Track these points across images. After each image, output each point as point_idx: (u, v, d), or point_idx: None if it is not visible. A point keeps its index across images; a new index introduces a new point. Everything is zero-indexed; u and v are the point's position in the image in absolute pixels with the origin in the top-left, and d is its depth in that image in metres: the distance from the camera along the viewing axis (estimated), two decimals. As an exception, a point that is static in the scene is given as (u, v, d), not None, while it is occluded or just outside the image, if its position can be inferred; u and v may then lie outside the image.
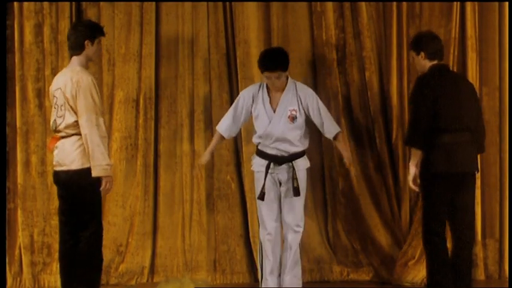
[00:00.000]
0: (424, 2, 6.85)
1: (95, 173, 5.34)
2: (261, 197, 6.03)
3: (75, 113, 5.39)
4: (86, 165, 5.37)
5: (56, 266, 6.81)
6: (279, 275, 6.21)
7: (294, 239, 6.13)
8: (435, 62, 5.71)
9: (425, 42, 5.74)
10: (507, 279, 6.71)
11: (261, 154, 6.10)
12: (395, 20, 6.90)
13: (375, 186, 6.94)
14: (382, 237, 6.93)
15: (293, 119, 6.01)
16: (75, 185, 5.43)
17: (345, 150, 6.15)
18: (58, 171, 5.51)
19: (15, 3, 6.83)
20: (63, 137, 5.47)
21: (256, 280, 6.76)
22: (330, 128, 6.08)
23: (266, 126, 6.01)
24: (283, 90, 6.04)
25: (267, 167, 6.03)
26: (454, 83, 5.69)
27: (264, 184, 6.02)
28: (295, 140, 6.03)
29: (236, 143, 6.97)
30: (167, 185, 6.97)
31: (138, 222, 6.93)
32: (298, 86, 6.12)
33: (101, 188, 5.41)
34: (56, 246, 6.76)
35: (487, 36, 6.87)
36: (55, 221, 6.56)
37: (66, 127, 5.44)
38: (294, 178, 5.99)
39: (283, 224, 6.15)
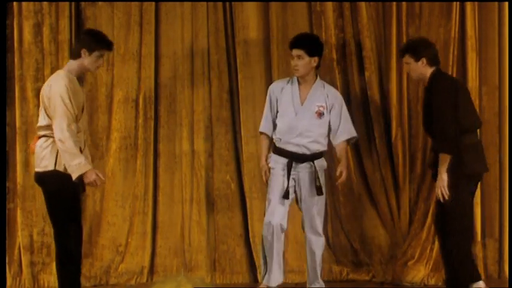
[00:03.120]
0: (423, 2, 6.83)
1: (74, 176, 5.40)
2: (286, 195, 5.97)
3: (48, 116, 5.49)
4: (49, 168, 5.46)
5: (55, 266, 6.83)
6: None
7: (318, 241, 6.09)
8: (434, 68, 5.70)
9: (425, 48, 5.73)
10: (507, 279, 6.70)
11: (280, 152, 6.05)
12: (395, 19, 6.87)
13: (374, 186, 6.93)
14: (382, 237, 6.92)
15: (320, 114, 6.01)
16: (42, 187, 5.58)
17: (343, 160, 6.11)
18: (35, 171, 5.65)
19: (15, 3, 6.82)
20: (39, 138, 5.60)
21: (256, 280, 6.76)
22: (345, 130, 6.11)
23: (292, 119, 6.00)
24: (311, 86, 6.07)
25: (289, 165, 5.98)
26: (460, 86, 5.73)
27: (288, 183, 5.97)
28: (319, 137, 6.02)
29: (236, 143, 6.97)
30: (167, 185, 6.97)
31: (137, 222, 6.93)
32: (326, 86, 6.18)
33: (86, 183, 5.47)
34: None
35: (486, 36, 6.85)
36: (54, 221, 6.58)
37: (39, 128, 5.58)
38: (316, 177, 5.97)
39: (305, 227, 6.09)
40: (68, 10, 6.84)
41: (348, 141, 6.21)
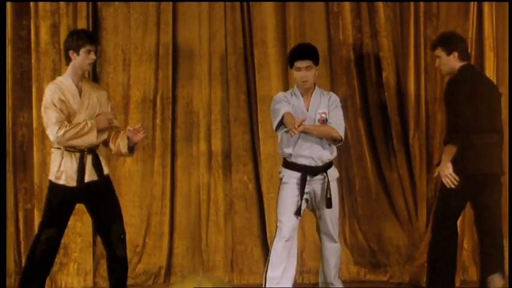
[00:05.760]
0: (441, 2, 6.83)
1: (94, 137, 5.52)
2: (298, 212, 5.82)
3: None
4: (49, 178, 5.63)
5: (72, 267, 6.83)
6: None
7: (332, 248, 5.96)
8: (464, 62, 5.69)
9: (458, 42, 5.73)
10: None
11: (293, 166, 5.85)
12: (412, 20, 6.87)
13: (391, 187, 6.93)
14: (399, 237, 6.93)
15: (323, 121, 5.86)
16: None
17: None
18: None
19: (31, 4, 6.80)
20: None
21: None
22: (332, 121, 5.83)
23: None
24: (311, 95, 5.88)
25: (303, 180, 5.82)
26: (484, 84, 5.71)
27: (301, 198, 5.82)
28: (327, 144, 5.84)
29: (254, 143, 6.97)
30: (184, 185, 6.97)
31: (155, 222, 6.93)
32: (324, 92, 5.98)
33: (105, 130, 5.62)
34: (73, 246, 6.85)
35: (503, 36, 6.84)
36: (71, 222, 6.51)
37: None
38: (327, 189, 5.84)
39: (320, 232, 5.99)
40: (85, 10, 6.82)
41: (334, 139, 5.85)
